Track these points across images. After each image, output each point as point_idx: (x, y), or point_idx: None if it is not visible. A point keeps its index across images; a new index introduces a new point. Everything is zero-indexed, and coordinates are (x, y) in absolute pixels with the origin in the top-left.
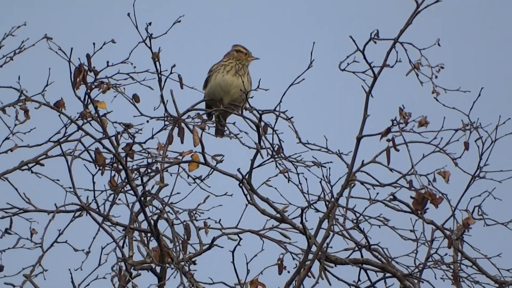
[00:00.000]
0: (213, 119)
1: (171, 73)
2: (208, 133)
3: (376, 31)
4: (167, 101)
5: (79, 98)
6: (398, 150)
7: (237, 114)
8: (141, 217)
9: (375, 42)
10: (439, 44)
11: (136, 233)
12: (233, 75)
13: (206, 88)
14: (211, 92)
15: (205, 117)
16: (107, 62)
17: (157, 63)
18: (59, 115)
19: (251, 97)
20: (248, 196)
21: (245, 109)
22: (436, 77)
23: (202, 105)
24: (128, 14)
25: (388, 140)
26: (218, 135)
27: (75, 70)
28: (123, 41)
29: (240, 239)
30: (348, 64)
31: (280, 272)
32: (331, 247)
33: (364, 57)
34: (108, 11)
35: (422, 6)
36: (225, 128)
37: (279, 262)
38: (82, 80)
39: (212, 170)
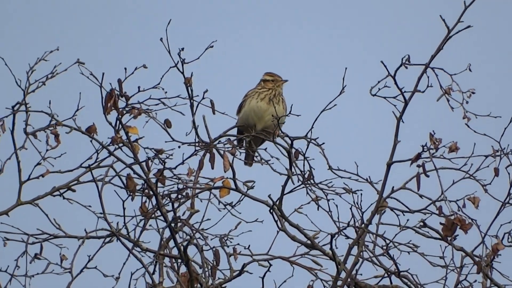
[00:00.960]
0: (244, 145)
1: (203, 98)
2: (240, 159)
3: (408, 56)
4: (197, 126)
5: (110, 124)
6: (428, 176)
7: (269, 140)
8: (171, 243)
9: (406, 67)
10: (470, 70)
11: (166, 259)
12: (267, 102)
13: (239, 113)
14: (244, 118)
15: (236, 143)
16: (139, 87)
17: (189, 88)
18: (91, 140)
19: (283, 123)
20: (278, 222)
21: (277, 135)
22: (467, 102)
23: (234, 131)
24: (161, 39)
25: (418, 166)
26: (248, 163)
27: (106, 95)
28: (155, 66)
29: (270, 265)
30: (379, 89)
31: None
32: (361, 274)
33: (395, 82)
34: (140, 36)
35: (454, 31)
36: (256, 155)
37: None
38: (113, 105)
39: (243, 196)
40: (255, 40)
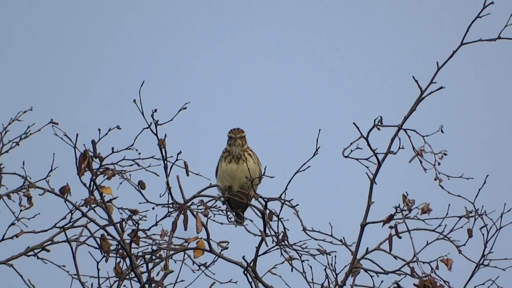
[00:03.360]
0: (225, 207)
1: (177, 159)
2: (214, 220)
3: (380, 118)
4: (170, 187)
5: (85, 185)
6: (400, 238)
7: (243, 201)
8: None
9: (378, 129)
10: (442, 131)
11: None
12: (236, 162)
13: (216, 176)
14: (220, 180)
15: (217, 203)
16: (112, 148)
17: (163, 149)
18: (65, 201)
19: (257, 185)
20: (253, 283)
21: (251, 197)
22: (439, 164)
23: (208, 192)
24: (134, 101)
25: (391, 227)
26: (239, 222)
27: (80, 156)
28: (129, 127)
29: None
30: (351, 151)
31: None
32: None
33: (368, 144)
34: (114, 97)
35: (426, 92)
36: (230, 217)
37: None
38: (87, 167)
39: (217, 257)
40: (227, 99)
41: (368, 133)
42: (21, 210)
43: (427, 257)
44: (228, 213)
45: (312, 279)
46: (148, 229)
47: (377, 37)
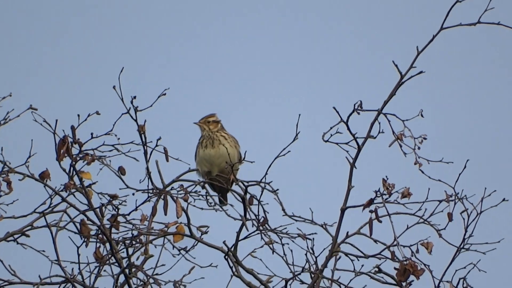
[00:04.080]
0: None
1: (156, 145)
2: (194, 205)
3: (360, 102)
4: (150, 173)
5: (64, 170)
6: (381, 222)
7: (224, 186)
8: None
9: (358, 113)
10: (422, 115)
11: None
12: (212, 147)
13: (196, 161)
14: (199, 165)
15: (197, 188)
16: (92, 134)
17: (143, 135)
18: (44, 186)
19: (237, 169)
20: (233, 268)
21: (231, 181)
22: (419, 148)
23: (188, 176)
24: (114, 87)
25: (371, 212)
26: (221, 204)
27: (59, 142)
28: (109, 112)
29: None
30: (331, 135)
31: None
32: None
33: (348, 128)
34: (94, 83)
35: (406, 76)
36: (210, 201)
37: None
38: (67, 152)
39: (197, 242)
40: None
41: (348, 117)
42: (0, 196)
43: (408, 241)
44: (208, 198)
45: (293, 262)
46: (128, 214)
47: (357, 22)
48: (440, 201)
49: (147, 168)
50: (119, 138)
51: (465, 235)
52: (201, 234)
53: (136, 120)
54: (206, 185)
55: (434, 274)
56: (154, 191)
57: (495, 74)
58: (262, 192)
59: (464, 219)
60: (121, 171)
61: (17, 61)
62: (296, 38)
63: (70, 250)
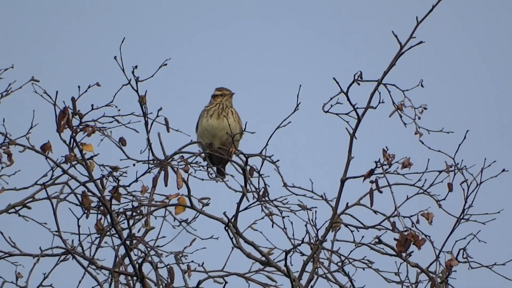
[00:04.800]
0: (205, 163)
1: (157, 116)
2: (194, 176)
3: (360, 73)
4: (151, 144)
5: (65, 142)
6: (381, 192)
7: (224, 157)
8: (126, 260)
9: (358, 84)
10: (422, 85)
11: (121, 277)
12: (217, 118)
13: (197, 132)
14: (200, 137)
15: (198, 159)
16: (92, 105)
17: (144, 106)
18: (46, 158)
19: (238, 141)
20: (234, 239)
21: (232, 153)
22: (419, 118)
23: (189, 148)
24: (115, 57)
25: (371, 182)
26: (220, 177)
27: (60, 113)
28: (109, 84)
29: (226, 282)
30: (331, 106)
31: None
32: None
33: (348, 99)
34: (94, 53)
35: (406, 47)
36: (211, 172)
37: None
38: (67, 124)
39: (198, 213)
40: (209, 57)
41: (348, 88)
42: (1, 168)
43: (408, 212)
44: (209, 169)
45: (293, 234)
46: (129, 186)
47: None
48: (440, 172)
49: (148, 139)
50: (119, 110)
51: (465, 205)
52: (202, 206)
53: (137, 91)
54: (206, 158)
55: (434, 245)
56: (155, 162)
57: (494, 43)
58: (262, 163)
59: (464, 189)
60: (122, 142)
61: (18, 33)
62: (296, 9)
63: (71, 222)
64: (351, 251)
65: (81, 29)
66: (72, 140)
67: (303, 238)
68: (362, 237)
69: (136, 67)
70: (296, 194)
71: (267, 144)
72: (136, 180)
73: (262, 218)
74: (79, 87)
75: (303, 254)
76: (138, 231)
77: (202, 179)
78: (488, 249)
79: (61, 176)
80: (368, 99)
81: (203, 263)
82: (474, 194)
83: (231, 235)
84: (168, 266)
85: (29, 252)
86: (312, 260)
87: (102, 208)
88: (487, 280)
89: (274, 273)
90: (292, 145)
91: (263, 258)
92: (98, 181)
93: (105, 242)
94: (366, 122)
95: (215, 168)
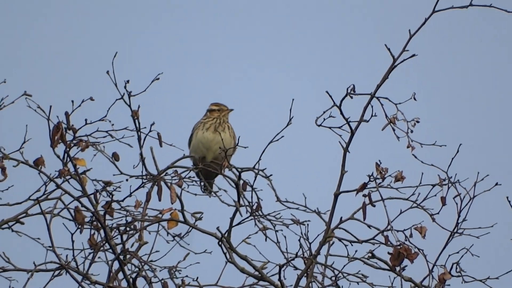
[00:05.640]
0: (196, 177)
1: (150, 130)
2: (187, 191)
3: (353, 86)
4: (145, 158)
5: (58, 156)
6: (374, 206)
7: (217, 172)
8: (120, 275)
9: (351, 97)
10: (415, 99)
11: None
12: (213, 132)
13: (190, 146)
14: (194, 150)
15: (191, 174)
16: (86, 120)
17: (137, 121)
18: (39, 173)
19: (231, 155)
20: (227, 254)
21: (225, 167)
22: (411, 131)
23: (182, 163)
24: (107, 72)
25: (364, 196)
26: (206, 192)
27: (53, 128)
28: (103, 98)
29: None
30: (324, 119)
31: None
32: None
33: (341, 112)
34: (87, 68)
35: (399, 60)
36: (204, 187)
37: None
38: (61, 138)
39: (192, 228)
40: (201, 71)
41: (341, 101)
42: None
43: (401, 226)
44: (202, 183)
45: (286, 248)
46: (122, 200)
47: (350, 5)
48: (433, 186)
49: (141, 154)
50: (113, 124)
51: (458, 219)
52: (195, 220)
53: (129, 105)
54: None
55: (427, 259)
56: (148, 177)
57: (487, 56)
58: (255, 178)
59: (457, 203)
60: (115, 157)
61: (11, 47)
62: (288, 22)
63: (65, 237)
64: (344, 265)
65: (74, 43)
66: (65, 154)
67: (297, 252)
68: (356, 251)
69: (128, 81)
70: (290, 208)
71: (260, 159)
72: (130, 195)
73: (256, 232)
74: (72, 101)
75: (296, 268)
76: (132, 246)
77: (195, 194)
78: (482, 263)
79: (54, 191)
80: (361, 112)
81: (197, 278)
82: (467, 208)
83: (225, 250)
84: (162, 281)
85: (23, 267)
86: (306, 274)
87: (95, 223)
88: None
89: (267, 287)
90: (285, 159)
91: (257, 273)
92: (92, 196)
93: (99, 257)
94: (359, 136)
95: (205, 183)
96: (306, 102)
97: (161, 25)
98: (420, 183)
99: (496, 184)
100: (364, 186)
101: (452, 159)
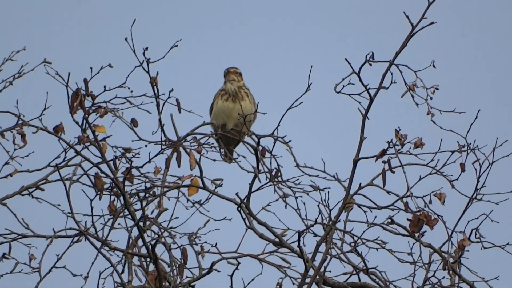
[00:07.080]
0: (216, 144)
1: (169, 97)
2: (206, 157)
3: (371, 54)
4: (163, 125)
5: (77, 123)
6: (394, 172)
7: (236, 138)
8: (139, 241)
9: (370, 65)
10: (434, 66)
11: (135, 258)
12: (233, 100)
13: (211, 114)
14: (215, 118)
15: (210, 140)
16: (104, 86)
17: (155, 87)
18: (58, 140)
19: (250, 121)
20: (246, 220)
21: (245, 134)
22: (431, 98)
23: (202, 129)
24: (126, 39)
25: (384, 162)
26: (226, 159)
27: (72, 94)
28: (121, 65)
29: (239, 263)
30: (343, 86)
31: None
32: (329, 271)
33: (360, 79)
34: (106, 35)
35: (418, 27)
36: (223, 153)
37: (278, 286)
38: (80, 105)
39: (211, 194)
40: (219, 37)
41: (360, 68)
42: (15, 149)
43: (420, 192)
44: (222, 150)
45: (306, 215)
46: (142, 167)
47: None
48: (453, 152)
49: (160, 120)
50: (132, 91)
51: (477, 185)
52: (215, 187)
53: (148, 72)
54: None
55: (447, 225)
56: (167, 143)
57: (507, 23)
58: (274, 144)
59: (476, 169)
60: (134, 123)
61: (30, 14)
62: None
63: (84, 203)
64: (364, 232)
65: (92, 11)
66: (84, 121)
67: (316, 219)
68: (375, 217)
69: (147, 48)
70: (309, 175)
71: (279, 125)
72: (149, 161)
73: (276, 200)
74: (91, 68)
75: (316, 235)
76: (152, 213)
77: (215, 160)
78: (501, 229)
79: (74, 157)
80: (380, 79)
81: (216, 244)
82: (486, 174)
83: (244, 216)
84: (182, 247)
85: (42, 233)
86: (325, 241)
87: (115, 189)
88: (500, 260)
89: (287, 254)
90: (304, 126)
91: (276, 239)
92: (111, 163)
93: (118, 224)
94: (378, 103)
95: (225, 150)
96: (325, 69)
97: None
98: (439, 149)
99: None
100: (383, 152)
101: (471, 125)
